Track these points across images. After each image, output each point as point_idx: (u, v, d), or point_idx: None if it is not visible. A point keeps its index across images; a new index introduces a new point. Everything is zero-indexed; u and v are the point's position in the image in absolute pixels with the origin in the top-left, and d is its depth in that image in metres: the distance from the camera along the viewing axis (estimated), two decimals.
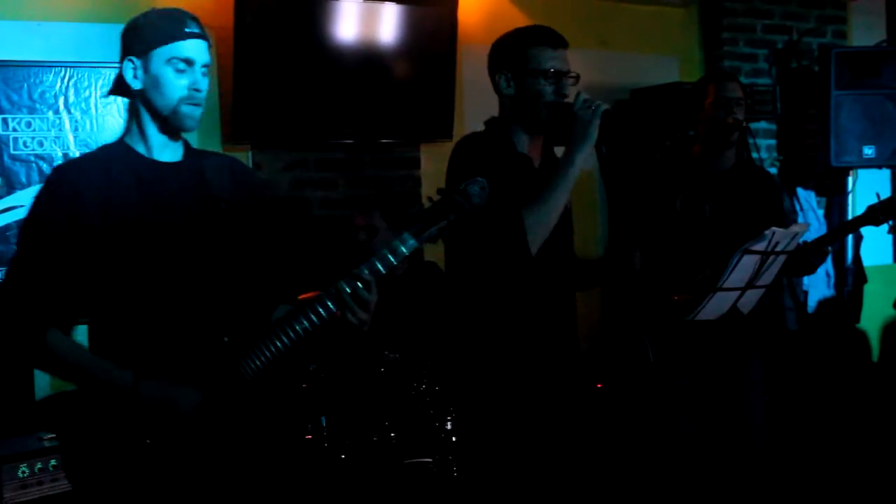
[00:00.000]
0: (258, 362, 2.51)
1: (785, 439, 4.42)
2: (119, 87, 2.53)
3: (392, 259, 2.51)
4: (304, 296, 2.64)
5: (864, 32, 6.40)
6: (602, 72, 5.33)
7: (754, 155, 4.11)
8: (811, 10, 6.18)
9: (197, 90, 2.48)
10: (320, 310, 2.50)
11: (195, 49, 2.48)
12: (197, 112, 2.51)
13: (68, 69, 4.14)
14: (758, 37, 6.02)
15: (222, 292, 2.56)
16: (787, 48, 6.05)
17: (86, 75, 4.16)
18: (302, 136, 4.74)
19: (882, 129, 5.36)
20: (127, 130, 2.57)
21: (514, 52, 3.04)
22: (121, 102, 4.18)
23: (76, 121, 4.15)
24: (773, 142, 5.97)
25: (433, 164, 5.03)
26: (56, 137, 4.11)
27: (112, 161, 2.52)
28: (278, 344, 2.51)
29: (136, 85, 2.48)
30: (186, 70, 2.47)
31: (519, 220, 2.88)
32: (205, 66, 2.50)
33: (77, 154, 4.10)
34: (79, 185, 2.45)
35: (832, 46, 5.85)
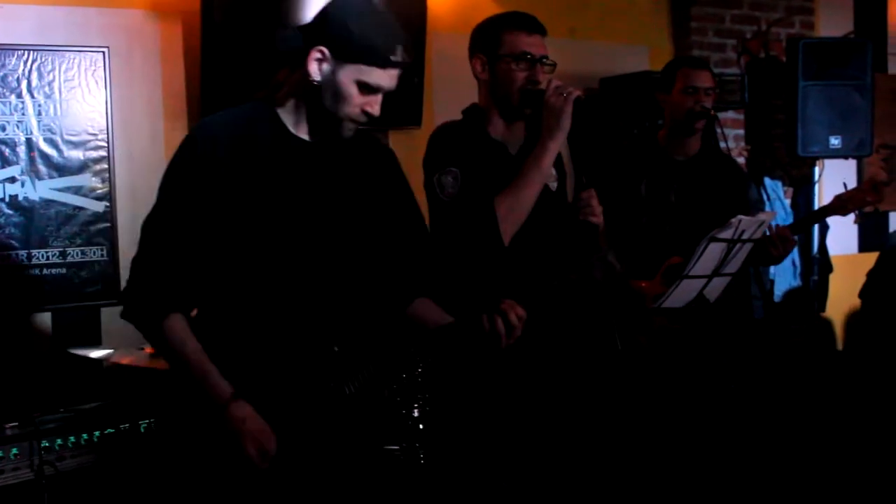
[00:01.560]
0: (359, 382, 2.45)
1: (751, 427, 4.44)
2: (292, 56, 2.42)
3: None
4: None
5: (832, 23, 6.45)
6: (571, 61, 5.26)
7: (721, 144, 4.12)
8: (779, 0, 6.21)
9: (370, 115, 2.40)
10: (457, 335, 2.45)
11: (389, 79, 2.39)
12: (357, 129, 2.44)
13: (31, 52, 4.08)
14: (726, 27, 6.04)
15: (349, 286, 2.48)
16: (755, 38, 6.07)
17: (49, 59, 4.10)
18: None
19: (848, 119, 5.40)
20: (281, 98, 2.47)
21: (489, 36, 3.04)
22: (85, 87, 4.16)
23: (39, 105, 4.09)
24: (740, 131, 6.00)
25: (402, 151, 4.92)
26: (19, 122, 4.05)
27: (257, 129, 2.42)
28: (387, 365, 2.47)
29: (316, 76, 2.37)
30: (370, 94, 2.38)
31: (491, 209, 2.87)
32: (389, 90, 2.42)
33: (40, 138, 4.05)
34: (219, 159, 2.36)
35: (800, 37, 5.88)
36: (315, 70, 2.37)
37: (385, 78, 2.37)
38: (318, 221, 2.43)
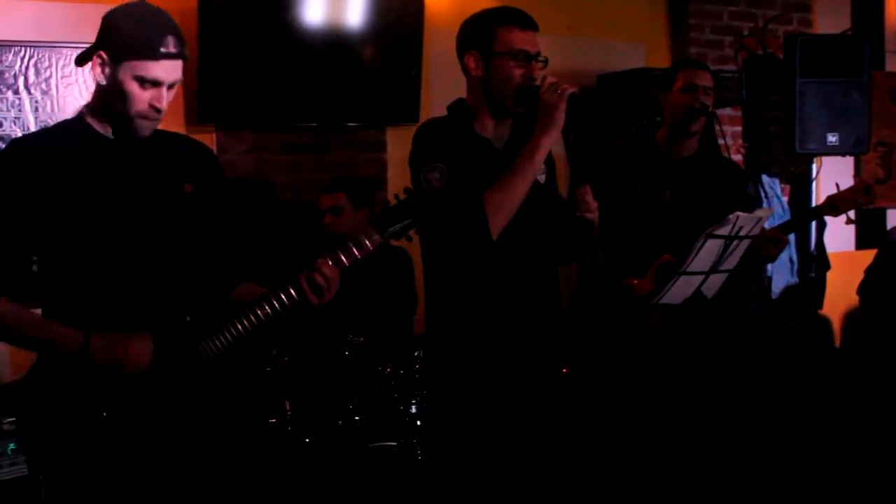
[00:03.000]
0: (218, 343, 2.52)
1: (748, 425, 4.45)
2: (85, 62, 2.50)
3: (356, 253, 2.58)
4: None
5: (829, 20, 6.45)
6: (569, 57, 5.33)
7: (720, 142, 4.12)
8: None
9: (157, 109, 2.45)
10: (283, 297, 2.53)
11: (166, 70, 2.44)
12: (153, 125, 2.49)
13: (28, 49, 4.08)
14: (724, 24, 6.05)
15: (181, 272, 2.56)
16: (752, 35, 6.07)
17: (46, 55, 4.10)
18: (267, 118, 4.71)
19: (846, 116, 5.39)
20: (90, 107, 2.54)
21: (482, 33, 3.01)
22: (82, 84, 4.16)
23: (36, 101, 4.09)
24: (738, 128, 6.01)
25: (399, 147, 5.01)
26: (16, 118, 4.05)
27: (70, 137, 2.50)
28: (239, 327, 2.53)
29: (100, 80, 2.45)
30: (151, 88, 2.43)
31: (479, 204, 2.86)
32: (173, 84, 2.47)
33: None
34: (34, 159, 2.43)
35: (797, 34, 5.88)
36: (99, 74, 2.45)
37: (160, 70, 2.42)
38: (128, 215, 2.50)
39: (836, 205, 3.87)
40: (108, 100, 2.46)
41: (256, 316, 2.52)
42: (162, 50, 2.41)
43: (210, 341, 2.52)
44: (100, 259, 2.45)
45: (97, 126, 2.52)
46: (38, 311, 2.52)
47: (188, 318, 2.52)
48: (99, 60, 2.44)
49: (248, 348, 2.69)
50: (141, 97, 2.43)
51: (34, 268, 2.50)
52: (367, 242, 2.56)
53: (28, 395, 2.48)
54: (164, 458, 2.48)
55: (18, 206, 2.41)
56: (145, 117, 2.45)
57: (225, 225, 2.70)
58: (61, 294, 2.49)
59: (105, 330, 2.43)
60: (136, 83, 2.42)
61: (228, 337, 2.53)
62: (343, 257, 2.56)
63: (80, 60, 2.52)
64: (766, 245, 3.73)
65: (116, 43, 2.42)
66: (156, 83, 2.43)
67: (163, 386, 2.47)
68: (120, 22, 2.45)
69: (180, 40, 2.46)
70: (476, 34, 3.02)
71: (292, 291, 2.52)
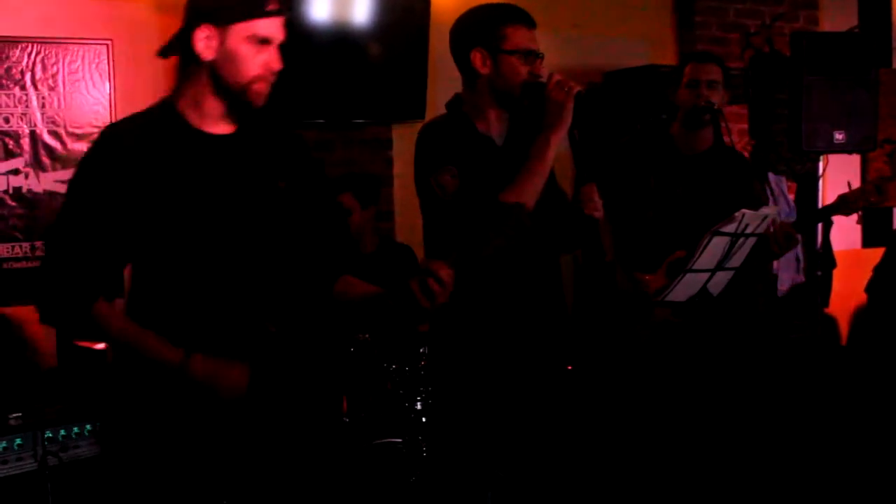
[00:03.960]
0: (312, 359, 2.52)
1: (753, 423, 4.44)
2: (177, 50, 2.43)
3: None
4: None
5: (836, 18, 6.44)
6: (575, 54, 5.33)
7: (726, 139, 4.11)
8: None
9: (272, 70, 2.41)
10: (391, 304, 2.48)
11: (275, 27, 2.39)
12: (265, 91, 2.43)
13: (35, 45, 4.09)
14: (730, 21, 6.04)
15: (273, 274, 2.51)
16: (759, 33, 6.06)
17: (53, 51, 4.11)
18: (272, 115, 4.70)
19: (853, 114, 5.38)
20: (179, 94, 2.47)
21: (489, 30, 3.01)
22: (88, 80, 4.17)
23: (43, 97, 4.10)
24: (744, 126, 5.99)
25: (405, 145, 5.01)
26: (23, 114, 4.06)
27: (159, 129, 2.43)
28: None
29: (207, 55, 2.38)
30: (264, 48, 2.39)
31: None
32: (281, 43, 2.42)
33: (44, 130, 4.06)
34: (127, 152, 2.37)
35: (804, 31, 5.87)
36: (204, 49, 2.38)
37: (272, 27, 2.38)
38: (232, 211, 2.45)
39: (848, 203, 3.86)
40: (218, 74, 2.38)
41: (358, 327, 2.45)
42: (269, 7, 2.37)
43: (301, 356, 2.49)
44: (189, 258, 2.40)
45: (190, 114, 2.45)
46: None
47: (272, 329, 2.46)
48: (204, 34, 2.36)
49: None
50: (255, 59, 2.37)
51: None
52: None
53: (116, 389, 2.46)
54: (236, 469, 2.46)
55: (114, 201, 2.35)
56: (262, 80, 2.40)
57: (320, 218, 2.63)
58: (149, 292, 2.44)
59: (193, 333, 2.39)
60: (248, 45, 2.36)
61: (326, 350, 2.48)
62: (460, 260, 2.45)
63: (166, 52, 2.46)
64: (778, 241, 3.72)
65: (220, 8, 2.35)
66: (268, 41, 2.38)
67: (250, 403, 2.43)
68: None
69: None
70: (482, 31, 3.02)
71: (402, 297, 2.44)
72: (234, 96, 2.41)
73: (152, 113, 2.48)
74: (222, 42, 2.36)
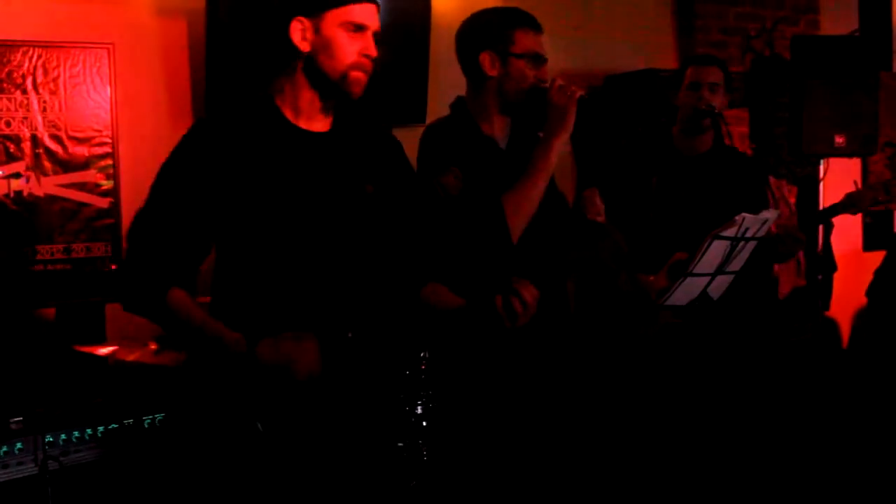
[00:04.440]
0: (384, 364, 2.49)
1: (754, 427, 4.44)
2: (277, 46, 2.44)
3: None
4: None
5: (836, 21, 6.44)
6: (576, 58, 5.33)
7: (725, 143, 4.11)
8: None
9: (368, 56, 2.41)
10: (472, 317, 2.48)
11: (368, 14, 2.40)
12: (364, 80, 2.43)
13: (36, 48, 4.09)
14: (731, 24, 6.04)
15: (357, 278, 2.49)
16: (759, 36, 6.06)
17: (55, 55, 4.11)
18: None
19: (853, 117, 5.38)
20: (277, 89, 2.47)
21: (498, 34, 3.03)
22: (90, 84, 4.17)
23: (44, 101, 4.10)
24: (744, 130, 5.99)
25: (407, 148, 4.97)
26: (24, 118, 4.06)
27: (255, 122, 2.43)
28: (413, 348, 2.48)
29: (304, 46, 2.39)
30: (359, 35, 2.39)
31: (500, 210, 2.87)
32: (376, 32, 2.43)
33: (45, 134, 4.06)
34: (219, 146, 2.37)
35: (804, 35, 5.87)
36: (301, 40, 2.39)
37: (366, 14, 2.40)
38: (323, 211, 2.43)
39: (855, 203, 3.86)
40: (315, 64, 2.39)
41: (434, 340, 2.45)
42: None
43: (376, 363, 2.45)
44: (273, 254, 2.39)
45: (288, 110, 2.45)
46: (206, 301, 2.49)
47: (350, 335, 2.43)
48: (299, 26, 2.38)
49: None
50: (351, 47, 2.38)
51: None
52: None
53: (183, 386, 2.44)
54: (304, 473, 2.44)
55: (201, 191, 2.35)
56: (359, 68, 2.40)
57: (408, 222, 2.62)
58: (231, 288, 2.44)
59: (272, 331, 2.35)
60: (343, 31, 2.37)
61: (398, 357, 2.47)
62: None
63: (269, 54, 2.47)
64: (786, 242, 3.73)
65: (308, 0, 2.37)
66: (363, 28, 2.38)
67: (320, 401, 2.40)
68: None
69: None
70: (491, 35, 3.04)
71: (485, 312, 2.43)
72: (331, 87, 2.42)
73: (250, 106, 2.47)
74: (317, 31, 2.37)
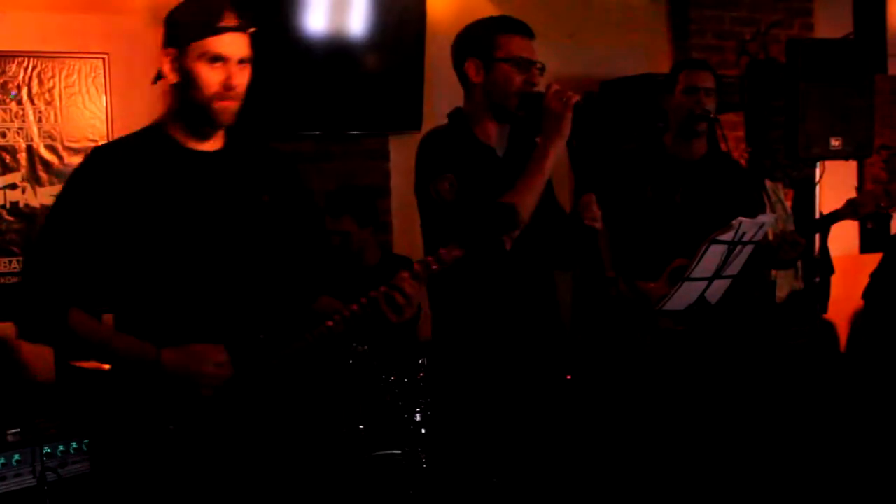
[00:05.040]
0: (290, 359, 2.49)
1: (753, 430, 4.44)
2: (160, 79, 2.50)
3: (435, 267, 2.48)
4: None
5: (831, 24, 6.45)
6: (572, 64, 5.34)
7: (722, 147, 4.12)
8: (779, 2, 6.23)
9: (230, 86, 2.43)
10: (360, 314, 2.46)
11: (230, 44, 2.42)
12: (232, 107, 2.46)
13: (32, 59, 4.09)
14: (725, 29, 6.05)
15: (258, 286, 2.53)
16: (754, 40, 6.07)
17: (50, 66, 4.11)
18: (269, 127, 4.70)
19: (849, 120, 5.38)
20: (168, 115, 2.52)
21: (483, 40, 3.03)
22: (85, 94, 4.17)
23: (40, 112, 4.10)
24: (740, 134, 6.00)
25: (402, 155, 5.01)
26: (19, 128, 4.06)
27: (147, 149, 2.48)
28: (313, 343, 2.49)
29: (172, 77, 2.45)
30: (220, 66, 2.42)
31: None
32: (243, 59, 2.45)
33: (41, 145, 4.06)
34: (114, 170, 2.42)
35: (799, 38, 5.88)
36: (170, 71, 2.45)
37: (225, 45, 2.41)
38: (220, 224, 2.48)
39: (856, 208, 3.86)
40: (184, 95, 2.44)
41: (331, 332, 2.47)
42: (220, 24, 2.40)
43: (282, 358, 2.49)
44: (176, 272, 2.43)
45: (178, 134, 2.49)
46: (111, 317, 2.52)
47: (262, 336, 2.48)
48: (169, 58, 2.43)
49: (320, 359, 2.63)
50: (211, 78, 2.40)
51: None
52: (447, 257, 2.50)
53: (100, 398, 2.46)
54: (225, 472, 2.46)
55: (96, 217, 2.40)
56: (221, 98, 2.42)
57: (303, 236, 2.66)
58: (136, 305, 2.47)
59: (178, 344, 2.40)
60: (203, 64, 2.40)
61: (301, 353, 2.49)
62: (422, 272, 2.48)
63: (156, 78, 2.52)
64: (785, 248, 3.73)
65: (176, 32, 2.43)
66: (221, 59, 2.41)
67: (233, 401, 2.44)
68: (176, 13, 2.46)
69: (240, 14, 2.45)
70: (476, 41, 3.04)
71: (370, 309, 2.46)
72: (200, 115, 2.46)
73: (143, 133, 2.54)
74: (182, 63, 2.42)
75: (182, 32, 2.42)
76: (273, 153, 2.69)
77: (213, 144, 2.53)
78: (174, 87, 2.46)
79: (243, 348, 2.46)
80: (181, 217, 2.44)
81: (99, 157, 2.49)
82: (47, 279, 2.41)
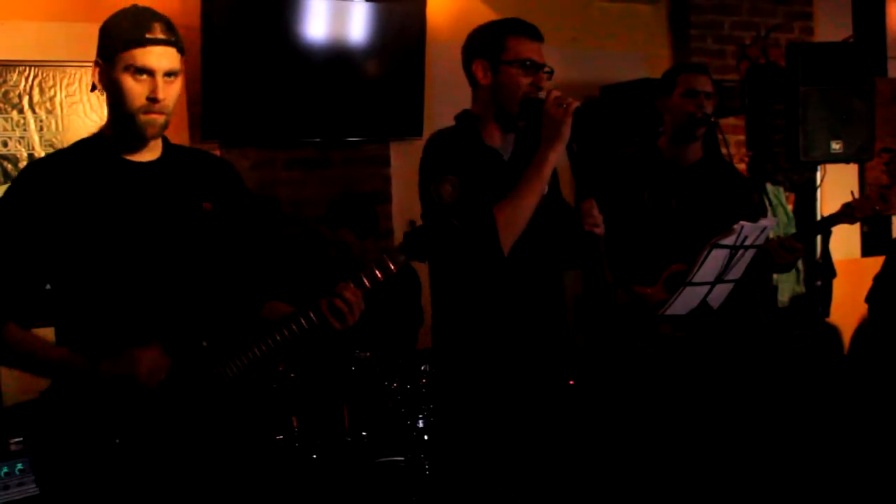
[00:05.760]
0: (236, 366, 2.50)
1: (756, 434, 4.43)
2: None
3: (379, 275, 2.54)
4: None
5: (831, 28, 6.45)
6: (572, 69, 5.33)
7: (722, 151, 4.11)
8: (778, 5, 6.23)
9: (155, 99, 2.40)
10: (303, 322, 2.50)
11: (156, 57, 2.40)
12: (158, 120, 2.44)
13: (33, 68, 4.10)
14: (725, 33, 6.06)
15: (200, 293, 2.54)
16: (754, 44, 6.07)
17: (51, 74, 4.12)
18: (270, 134, 4.71)
19: (849, 124, 5.38)
20: (106, 126, 2.53)
21: (492, 42, 3.04)
22: (86, 103, 4.17)
23: (41, 120, 4.11)
24: (741, 138, 6.00)
25: (403, 162, 5.02)
26: (21, 137, 4.06)
27: (85, 160, 2.48)
28: (258, 351, 2.51)
29: (101, 89, 2.46)
30: (145, 79, 2.40)
31: (491, 220, 2.87)
32: (170, 73, 2.43)
33: (42, 153, 4.06)
34: (49, 182, 2.42)
35: (799, 42, 5.88)
36: (97, 81, 2.46)
37: (149, 57, 2.39)
38: (159, 232, 2.48)
39: (853, 212, 3.85)
40: (113, 107, 2.45)
41: (276, 341, 2.49)
42: (148, 36, 2.38)
43: (228, 365, 2.50)
44: (115, 282, 2.43)
45: (114, 143, 2.49)
46: (51, 330, 2.51)
47: (204, 343, 2.49)
48: (97, 69, 2.44)
49: (264, 369, 2.65)
50: (136, 90, 2.39)
51: (48, 288, 2.48)
52: (391, 264, 2.52)
53: (41, 417, 2.46)
54: (175, 481, 2.46)
55: (32, 230, 2.40)
56: (146, 111, 2.41)
57: (248, 243, 2.67)
58: (76, 317, 2.47)
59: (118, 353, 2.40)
60: (128, 76, 2.39)
61: (246, 360, 2.51)
62: (365, 280, 2.52)
63: (92, 89, 2.52)
64: (780, 253, 3.72)
65: (105, 43, 2.42)
66: (147, 71, 2.39)
67: (177, 410, 2.45)
68: (108, 24, 2.45)
69: (169, 28, 2.43)
70: (485, 43, 3.05)
71: (313, 316, 2.49)
72: (126, 127, 2.45)
73: (81, 144, 2.54)
74: (107, 75, 2.42)
75: (110, 43, 2.41)
76: (213, 161, 2.71)
77: (150, 154, 2.53)
78: (106, 99, 2.46)
79: (186, 356, 2.46)
80: (117, 227, 2.43)
81: (33, 170, 2.49)
82: None
